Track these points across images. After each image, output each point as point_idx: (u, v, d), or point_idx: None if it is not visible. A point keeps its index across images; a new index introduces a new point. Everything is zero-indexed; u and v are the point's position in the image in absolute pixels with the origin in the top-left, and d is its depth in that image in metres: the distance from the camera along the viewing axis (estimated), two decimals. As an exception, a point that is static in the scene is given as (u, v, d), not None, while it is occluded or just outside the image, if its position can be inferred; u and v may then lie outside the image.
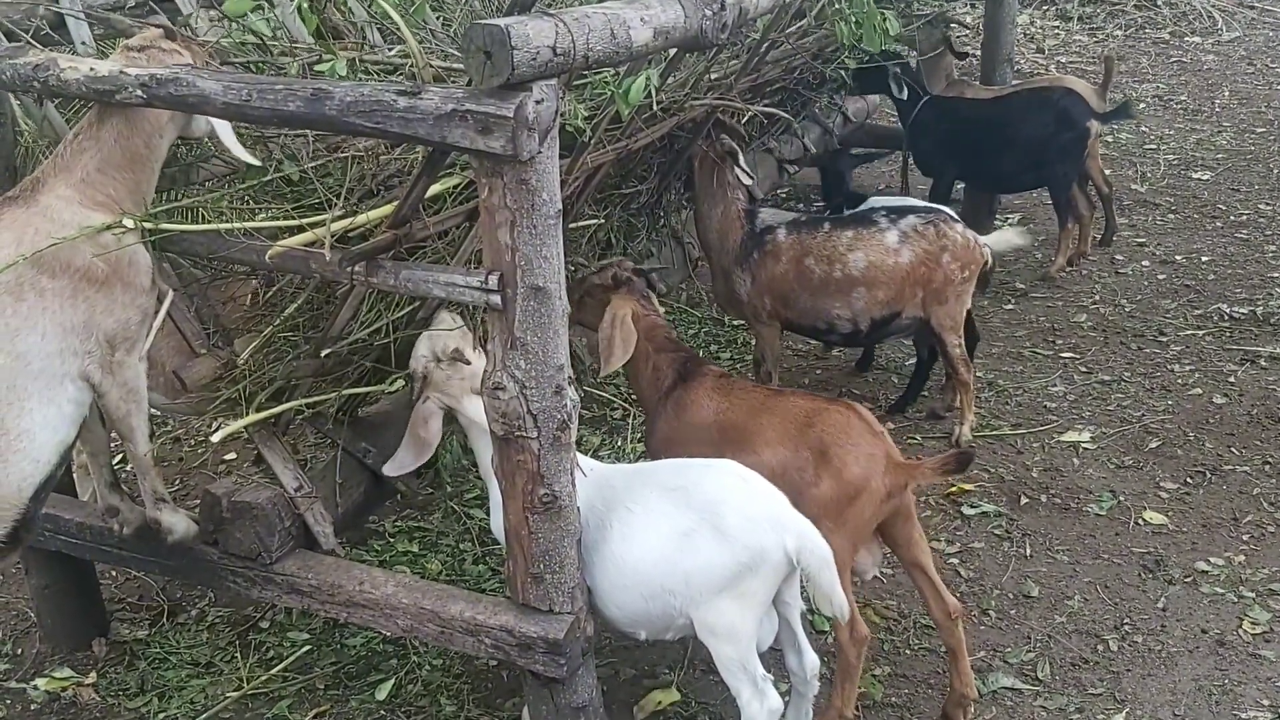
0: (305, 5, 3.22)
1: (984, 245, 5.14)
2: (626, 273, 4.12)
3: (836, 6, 4.76)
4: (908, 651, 3.96)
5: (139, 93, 2.96)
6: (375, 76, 3.67)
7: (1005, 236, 5.49)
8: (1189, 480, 4.93)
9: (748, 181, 5.15)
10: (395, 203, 3.13)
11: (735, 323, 6.40)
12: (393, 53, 3.92)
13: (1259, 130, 9.86)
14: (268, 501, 3.49)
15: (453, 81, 3.11)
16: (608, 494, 3.28)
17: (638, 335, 3.92)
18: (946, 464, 3.48)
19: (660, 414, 3.94)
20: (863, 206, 5.95)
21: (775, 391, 3.91)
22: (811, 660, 3.36)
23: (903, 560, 3.69)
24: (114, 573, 4.53)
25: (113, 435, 3.36)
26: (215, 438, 3.49)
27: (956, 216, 5.24)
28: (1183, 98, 10.94)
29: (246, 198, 3.45)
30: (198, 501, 3.74)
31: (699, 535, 3.11)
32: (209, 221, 3.35)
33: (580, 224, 4.52)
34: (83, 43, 3.73)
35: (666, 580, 3.14)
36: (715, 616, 3.13)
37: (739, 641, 3.14)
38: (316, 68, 3.30)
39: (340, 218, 3.13)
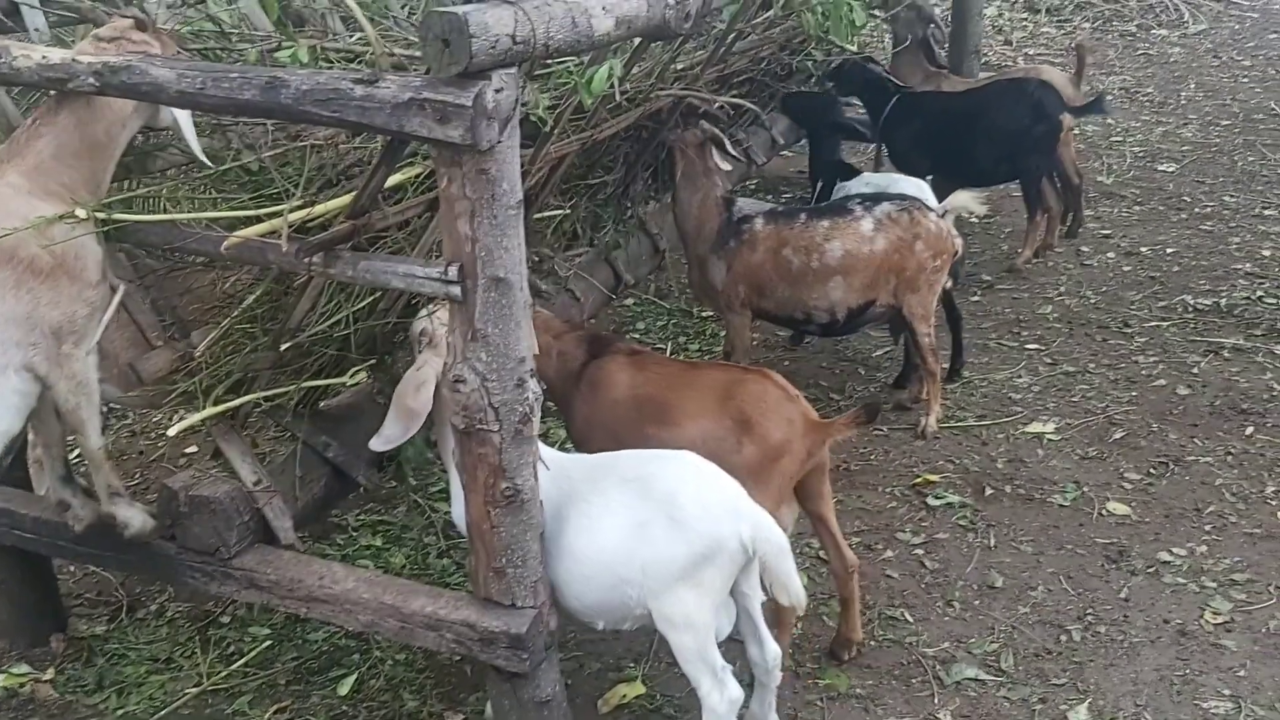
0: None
1: (956, 236, 5.13)
2: None
3: (803, -3, 4.77)
4: (872, 643, 3.95)
5: (91, 81, 2.90)
6: (337, 65, 3.63)
7: (961, 200, 5.30)
8: (1152, 471, 4.95)
9: (727, 168, 5.12)
10: (354, 193, 3.09)
11: (704, 314, 6.39)
12: (353, 40, 3.88)
13: (1224, 123, 9.95)
14: (226, 496, 3.44)
15: (414, 70, 3.07)
16: (565, 485, 3.26)
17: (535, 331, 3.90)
18: (857, 418, 3.66)
19: (576, 395, 3.91)
20: (853, 180, 5.97)
21: (691, 364, 3.93)
22: (773, 650, 3.35)
23: (808, 512, 3.81)
24: (72, 568, 4.47)
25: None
26: (172, 431, 3.45)
27: (930, 205, 5.24)
28: (1149, 90, 11.02)
29: (204, 187, 3.40)
30: (156, 495, 3.70)
31: (655, 526, 3.10)
32: (165, 211, 3.30)
33: (546, 214, 4.50)
34: (36, 29, 3.67)
35: (623, 571, 3.13)
36: (672, 607, 3.12)
37: (697, 631, 3.13)
38: (277, 55, 3.26)
39: (298, 208, 3.09)
